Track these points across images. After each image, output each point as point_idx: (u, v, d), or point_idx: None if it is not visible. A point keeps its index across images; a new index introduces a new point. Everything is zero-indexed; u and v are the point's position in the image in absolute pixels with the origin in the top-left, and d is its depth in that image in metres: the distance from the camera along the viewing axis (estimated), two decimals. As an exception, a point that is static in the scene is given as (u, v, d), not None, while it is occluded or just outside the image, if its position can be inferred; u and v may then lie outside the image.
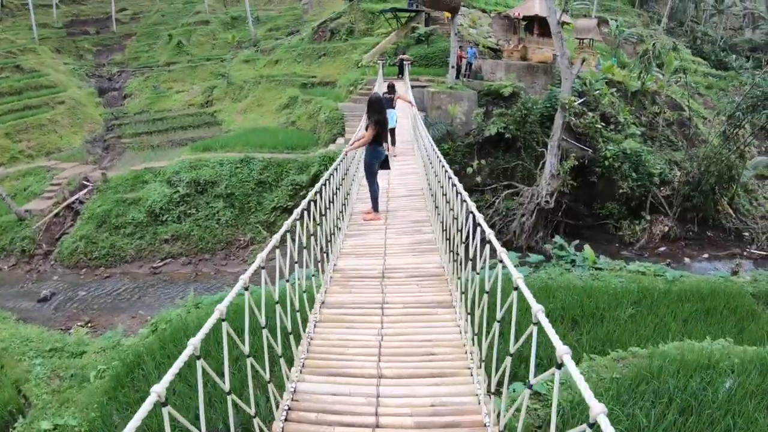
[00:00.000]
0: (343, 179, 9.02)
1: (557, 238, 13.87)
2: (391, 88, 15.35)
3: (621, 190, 20.74)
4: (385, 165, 9.82)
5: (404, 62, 25.13)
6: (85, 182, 24.62)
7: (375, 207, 9.56)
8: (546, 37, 27.39)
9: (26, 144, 31.35)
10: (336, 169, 8.17)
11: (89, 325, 15.83)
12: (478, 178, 20.28)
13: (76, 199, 23.43)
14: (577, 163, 19.40)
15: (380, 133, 9.47)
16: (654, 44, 27.53)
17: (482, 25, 32.95)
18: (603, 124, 22.23)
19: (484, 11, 35.13)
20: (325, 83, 31.77)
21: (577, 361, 6.58)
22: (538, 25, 27.72)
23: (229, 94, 36.32)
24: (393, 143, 14.95)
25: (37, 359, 9.53)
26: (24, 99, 35.09)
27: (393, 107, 14.71)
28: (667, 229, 20.57)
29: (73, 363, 9.56)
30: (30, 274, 19.98)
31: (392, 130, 14.67)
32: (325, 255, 6.48)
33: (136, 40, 50.58)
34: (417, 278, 6.57)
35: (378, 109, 9.40)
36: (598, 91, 23.80)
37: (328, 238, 6.94)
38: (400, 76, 24.27)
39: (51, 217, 22.58)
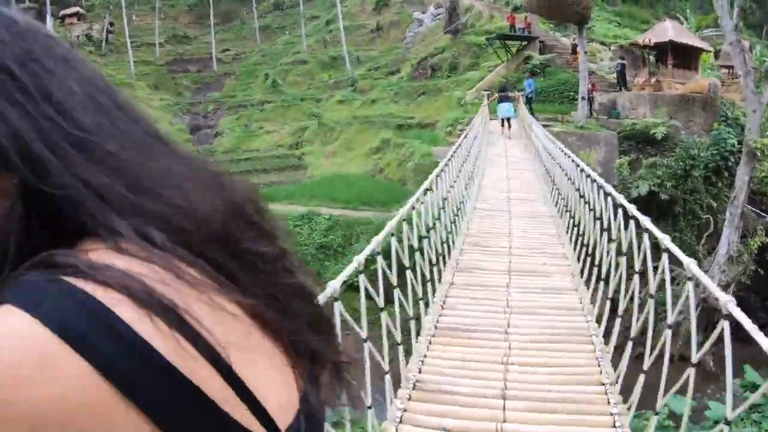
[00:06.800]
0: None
1: (748, 371, 8.83)
2: (505, 88, 19.68)
3: (810, 278, 14.82)
4: None
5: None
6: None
7: None
8: (682, 68, 22.74)
9: (100, 184, 29.66)
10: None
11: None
12: (621, 258, 14.80)
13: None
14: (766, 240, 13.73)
15: None
16: None
17: (602, 59, 28.50)
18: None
19: (603, 44, 30.66)
20: (424, 125, 28.45)
21: None
22: (672, 54, 23.10)
23: (320, 135, 33.98)
24: (509, 127, 18.45)
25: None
26: (106, 135, 33.89)
27: (509, 101, 18.57)
28: None
29: None
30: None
31: (509, 119, 18.38)
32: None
33: (234, 78, 50.02)
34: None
35: None
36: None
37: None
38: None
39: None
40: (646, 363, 3.99)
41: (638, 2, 38.40)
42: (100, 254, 0.52)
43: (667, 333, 3.70)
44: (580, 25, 19.91)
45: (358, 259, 3.80)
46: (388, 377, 4.13)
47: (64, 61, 0.59)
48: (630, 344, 4.32)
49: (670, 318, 3.73)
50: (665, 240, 4.01)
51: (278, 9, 60.87)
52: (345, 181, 21.26)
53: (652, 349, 3.89)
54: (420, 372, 4.71)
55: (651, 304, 4.11)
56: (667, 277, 3.80)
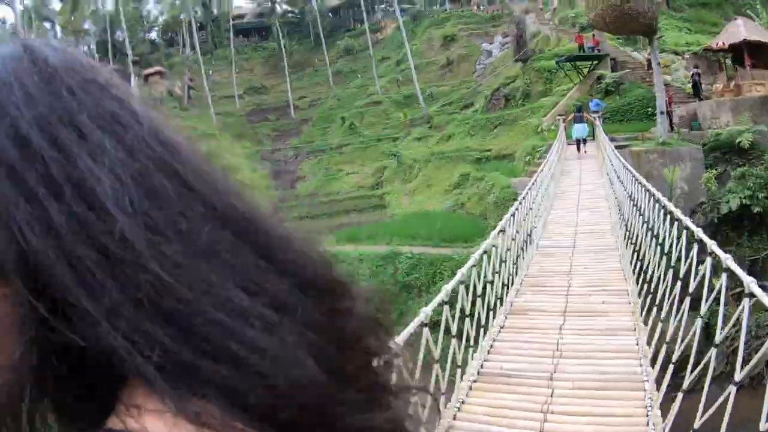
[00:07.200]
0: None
1: None
2: (580, 109, 20.70)
3: None
4: None
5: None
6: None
7: None
8: (761, 68, 21.45)
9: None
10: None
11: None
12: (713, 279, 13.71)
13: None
14: None
15: None
16: None
17: (677, 69, 27.49)
18: None
19: (676, 53, 29.54)
20: (502, 156, 28.40)
21: None
22: (749, 54, 21.82)
23: (399, 174, 34.61)
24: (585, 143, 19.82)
25: None
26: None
27: (583, 122, 19.98)
28: None
29: None
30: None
31: (584, 140, 19.80)
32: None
33: (312, 124, 51.92)
34: None
35: None
36: None
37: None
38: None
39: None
40: (697, 422, 3.73)
41: (706, 5, 36.83)
42: (161, 423, 0.37)
43: (732, 389, 3.43)
44: (649, 37, 19.40)
45: (425, 311, 3.86)
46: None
47: (112, 118, 0.41)
48: (680, 396, 4.08)
49: (738, 376, 3.43)
50: (752, 284, 3.63)
51: (349, 54, 62.88)
52: (425, 219, 21.39)
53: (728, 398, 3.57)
54: (455, 418, 4.55)
55: (713, 353, 3.86)
56: (733, 323, 3.60)
